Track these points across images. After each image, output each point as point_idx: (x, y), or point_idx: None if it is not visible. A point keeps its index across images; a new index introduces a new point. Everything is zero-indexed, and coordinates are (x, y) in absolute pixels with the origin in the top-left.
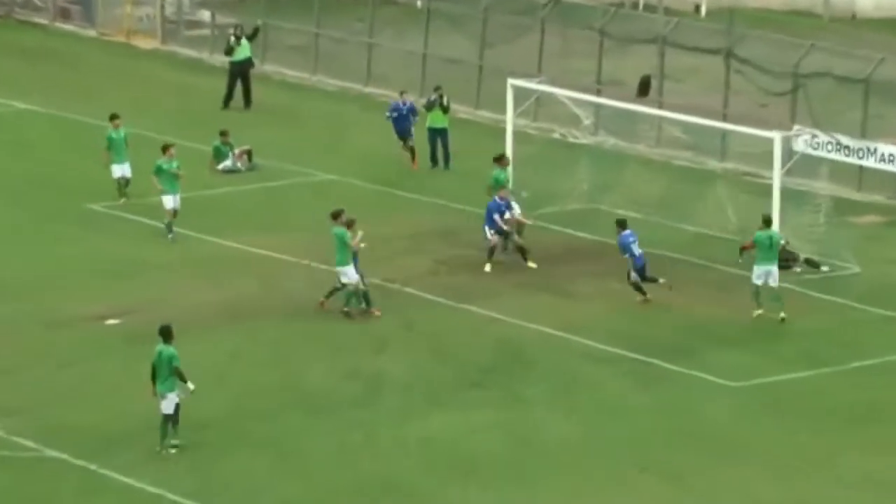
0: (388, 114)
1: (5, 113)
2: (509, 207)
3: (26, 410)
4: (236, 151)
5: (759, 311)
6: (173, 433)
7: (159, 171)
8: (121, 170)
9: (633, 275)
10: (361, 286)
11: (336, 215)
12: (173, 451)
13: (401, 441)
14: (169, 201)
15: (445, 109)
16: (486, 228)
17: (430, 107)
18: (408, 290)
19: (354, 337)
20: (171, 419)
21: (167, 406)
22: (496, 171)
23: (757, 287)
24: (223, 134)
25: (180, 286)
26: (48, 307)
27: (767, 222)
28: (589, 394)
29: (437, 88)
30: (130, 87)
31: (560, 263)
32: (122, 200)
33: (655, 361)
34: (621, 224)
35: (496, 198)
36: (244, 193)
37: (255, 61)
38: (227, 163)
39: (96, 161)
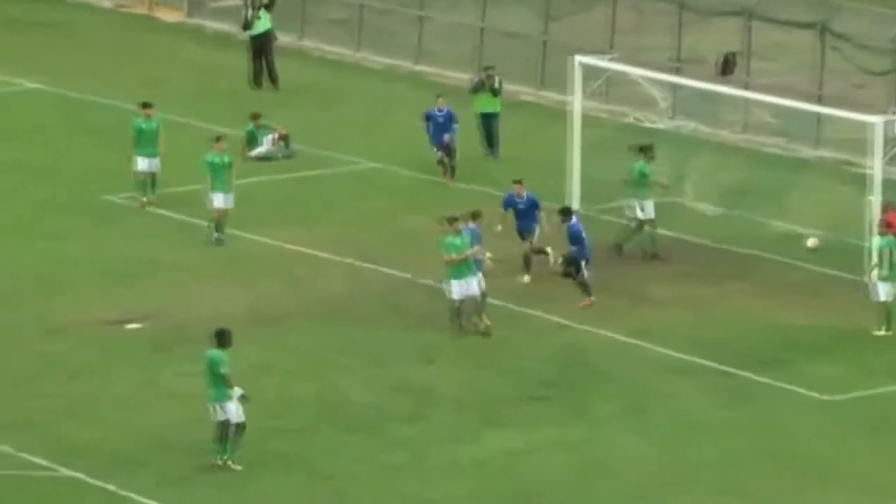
0: (423, 124)
1: (11, 93)
2: (535, 206)
3: (36, 426)
4: (273, 135)
5: (889, 333)
6: (221, 449)
7: (210, 167)
8: (147, 163)
9: (584, 272)
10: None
11: (451, 220)
12: (229, 464)
13: (452, 462)
14: (219, 200)
15: (496, 92)
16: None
17: (476, 89)
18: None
19: (400, 345)
20: (225, 431)
21: (228, 414)
22: (639, 164)
23: (886, 305)
24: (256, 116)
25: (206, 287)
26: (58, 311)
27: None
28: (665, 409)
29: (487, 68)
30: (151, 65)
31: (633, 263)
32: (146, 199)
33: (740, 373)
34: (566, 212)
35: (512, 193)
36: (278, 183)
37: (293, 36)
38: (261, 149)
39: (113, 147)
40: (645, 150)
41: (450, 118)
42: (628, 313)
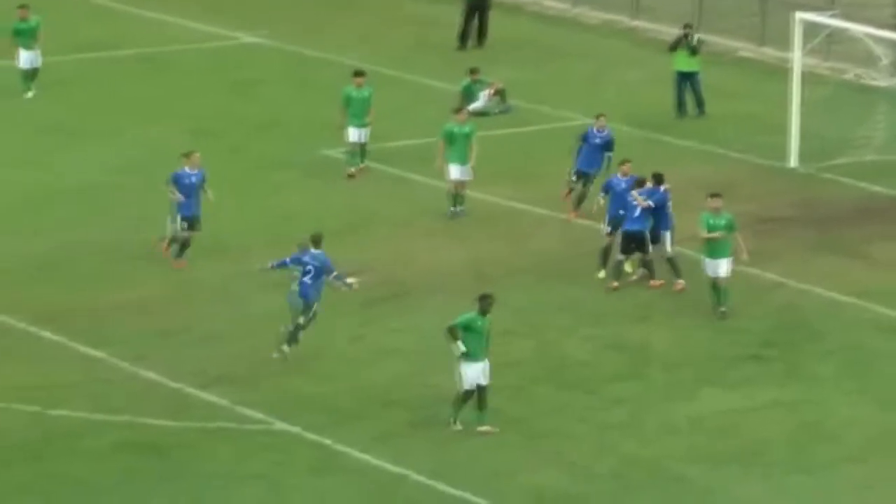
0: (575, 144)
1: (228, 47)
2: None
3: (252, 380)
4: (489, 90)
5: None
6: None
7: (449, 136)
8: (358, 134)
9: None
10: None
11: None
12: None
13: (668, 421)
14: (455, 171)
15: (694, 51)
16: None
17: (673, 47)
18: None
19: (615, 303)
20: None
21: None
22: None
23: None
24: (473, 71)
25: (419, 243)
26: None
27: None
28: (883, 370)
29: (686, 26)
30: (368, 19)
31: (853, 222)
32: (355, 168)
33: None
34: (658, 178)
35: (617, 173)
36: (494, 139)
37: None
38: (478, 104)
39: (331, 102)
40: None
41: (608, 143)
42: (847, 273)
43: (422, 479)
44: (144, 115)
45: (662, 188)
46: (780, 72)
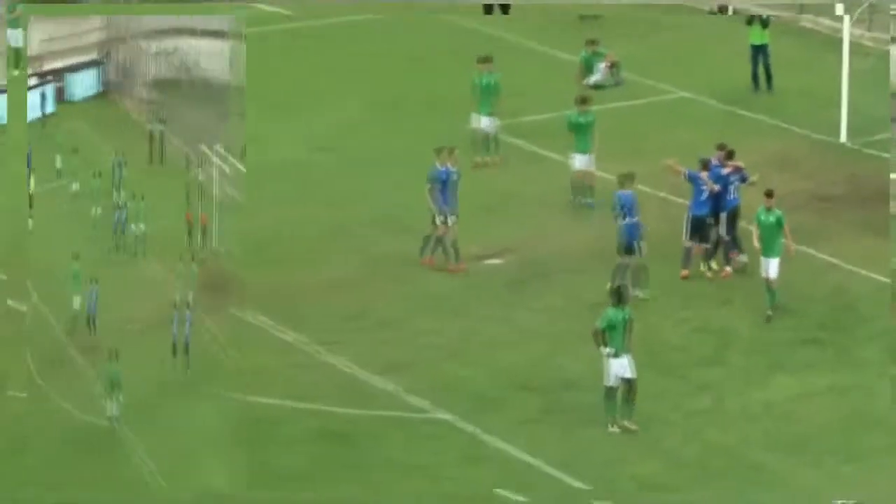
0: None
1: (398, 20)
2: (742, 178)
3: (416, 365)
4: (605, 63)
5: None
6: (613, 406)
7: (572, 125)
8: (479, 121)
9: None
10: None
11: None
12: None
13: (745, 407)
14: (579, 162)
15: (765, 23)
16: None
17: (749, 20)
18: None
19: (699, 286)
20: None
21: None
22: None
23: None
24: (592, 42)
25: (557, 223)
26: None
27: None
28: None
29: None
30: None
31: None
32: (480, 158)
33: None
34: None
35: (713, 160)
36: (610, 112)
37: None
38: (597, 76)
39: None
40: None
41: (734, 176)
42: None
43: (551, 470)
44: (328, 91)
45: (725, 171)
46: (837, 42)
